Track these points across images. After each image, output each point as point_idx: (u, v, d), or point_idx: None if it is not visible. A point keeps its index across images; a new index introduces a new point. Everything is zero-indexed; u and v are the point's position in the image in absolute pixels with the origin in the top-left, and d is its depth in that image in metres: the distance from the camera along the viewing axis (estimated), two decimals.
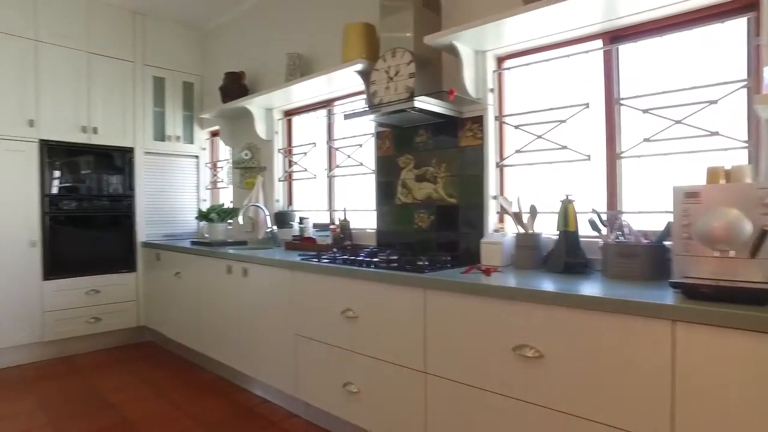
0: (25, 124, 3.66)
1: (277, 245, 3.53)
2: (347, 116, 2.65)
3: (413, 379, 2.02)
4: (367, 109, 2.56)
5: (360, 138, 3.20)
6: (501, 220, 2.50)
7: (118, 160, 4.13)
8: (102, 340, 4.06)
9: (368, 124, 3.00)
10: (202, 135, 4.63)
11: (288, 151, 3.81)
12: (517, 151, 2.43)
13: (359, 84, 2.99)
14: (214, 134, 4.61)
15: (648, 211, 2.04)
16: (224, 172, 4.48)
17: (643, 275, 1.74)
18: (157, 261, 3.98)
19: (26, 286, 3.67)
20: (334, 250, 2.78)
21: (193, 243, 3.80)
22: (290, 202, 3.81)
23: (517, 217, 2.22)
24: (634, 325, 1.39)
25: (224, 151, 4.54)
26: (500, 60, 2.51)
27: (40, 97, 3.72)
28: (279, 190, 3.81)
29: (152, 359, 3.80)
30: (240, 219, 3.49)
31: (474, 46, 2.38)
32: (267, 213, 3.62)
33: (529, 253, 2.14)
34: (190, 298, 3.54)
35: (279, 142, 3.82)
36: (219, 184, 4.60)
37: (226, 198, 4.48)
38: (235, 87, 3.84)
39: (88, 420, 2.72)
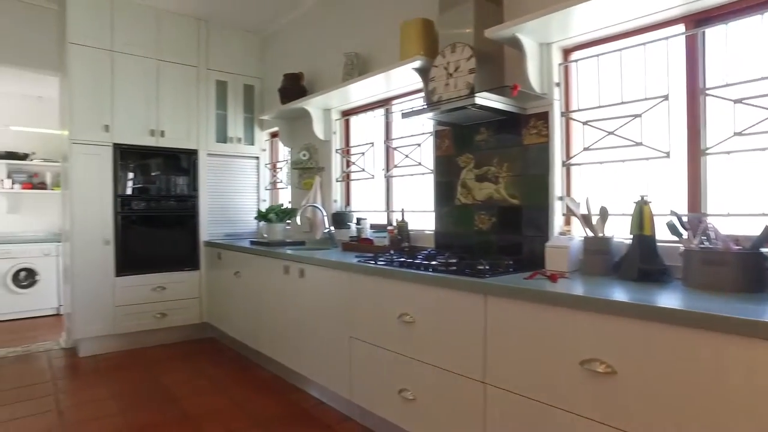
0: (101, 129, 3.85)
1: (335, 246, 3.52)
2: (405, 115, 2.58)
3: (471, 389, 1.92)
4: (426, 107, 2.48)
5: (418, 137, 3.12)
6: (567, 223, 2.35)
7: (183, 162, 4.28)
8: (167, 334, 4.22)
9: (427, 122, 2.92)
10: (262, 136, 4.71)
11: (346, 152, 3.80)
12: (586, 149, 2.27)
13: (417, 82, 2.92)
14: (274, 135, 4.69)
15: (740, 214, 1.84)
16: (283, 173, 4.54)
17: (733, 286, 1.55)
18: (218, 260, 4.08)
19: (101, 281, 3.87)
20: (392, 252, 2.72)
21: (252, 243, 3.87)
22: (348, 203, 3.80)
23: (586, 220, 2.07)
24: (726, 344, 1.23)
25: (283, 152, 4.60)
26: (567, 52, 2.35)
27: (115, 103, 3.91)
28: (336, 190, 3.80)
29: (213, 355, 3.90)
30: (298, 219, 3.51)
31: (538, 38, 2.25)
32: (324, 213, 3.62)
33: (600, 258, 1.98)
34: (248, 297, 3.60)
35: (337, 143, 3.82)
36: (278, 185, 4.66)
37: (286, 198, 4.54)
38: (294, 88, 3.87)
39: (153, 412, 2.81)
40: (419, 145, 3.11)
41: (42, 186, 5.74)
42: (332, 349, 2.71)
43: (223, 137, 4.49)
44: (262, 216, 3.81)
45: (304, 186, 3.99)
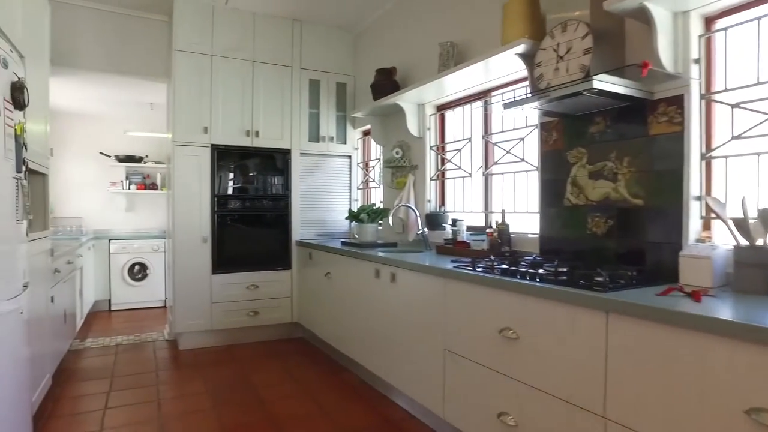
0: (200, 131, 3.97)
1: (428, 249, 3.32)
2: (508, 105, 2.31)
3: (588, 424, 1.62)
4: (531, 95, 2.20)
5: (521, 131, 2.83)
6: (707, 228, 1.95)
7: (276, 162, 4.31)
8: (259, 332, 4.26)
9: (531, 114, 2.61)
10: (354, 135, 4.63)
11: (440, 149, 3.58)
12: (735, 138, 1.86)
13: (521, 69, 2.63)
14: (366, 133, 4.59)
15: None
16: (375, 172, 4.42)
17: None
18: (310, 260, 4.04)
19: (199, 278, 3.99)
20: (492, 257, 2.46)
21: (343, 243, 3.77)
22: (442, 203, 3.58)
23: (740, 225, 1.68)
24: None
25: (376, 150, 4.49)
26: (709, 20, 1.95)
27: (213, 106, 4.02)
28: (430, 189, 3.60)
29: (302, 356, 3.87)
30: (390, 220, 3.35)
31: (672, 5, 1.88)
32: (418, 214, 3.43)
33: (758, 272, 1.59)
34: (338, 300, 3.50)
35: (431, 139, 3.61)
36: (371, 184, 4.56)
37: (378, 198, 4.42)
38: (386, 83, 3.73)
39: (243, 412, 2.79)
40: (522, 139, 2.82)
41: (153, 186, 6.14)
42: (424, 361, 2.50)
43: (315, 136, 4.46)
44: (353, 216, 3.71)
45: (396, 185, 3.83)
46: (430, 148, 3.61)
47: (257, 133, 4.19)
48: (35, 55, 2.68)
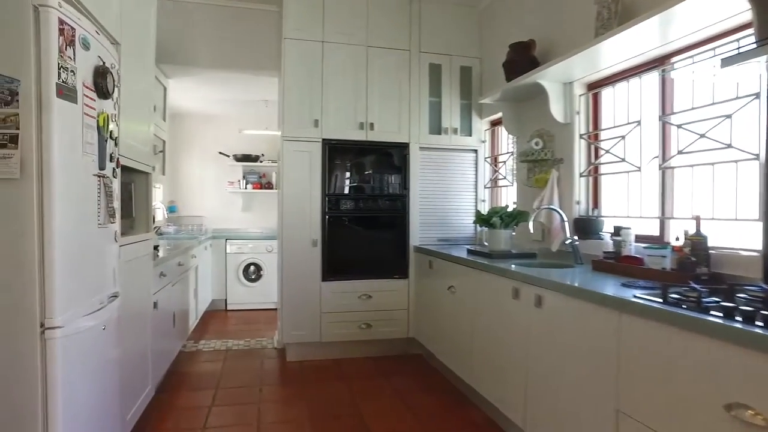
0: (311, 124, 3.63)
1: (579, 263, 2.62)
2: (727, 62, 1.57)
3: None
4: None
5: (727, 105, 2.03)
6: None
7: (393, 157, 3.85)
8: (371, 347, 3.83)
9: (748, 78, 1.83)
10: (481, 126, 4.02)
11: (594, 137, 2.85)
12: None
13: (724, 18, 1.86)
14: (495, 123, 3.95)
15: None
16: (507, 168, 3.78)
17: None
18: (430, 269, 3.51)
19: (308, 285, 3.66)
20: (690, 283, 1.73)
21: (470, 252, 3.19)
22: (595, 205, 2.84)
23: None
24: None
25: (507, 143, 3.84)
26: None
27: (324, 96, 3.66)
28: (580, 188, 2.88)
29: (418, 379, 3.35)
30: (530, 225, 2.71)
31: None
32: (565, 218, 2.74)
33: None
34: (464, 319, 2.93)
35: (581, 126, 2.89)
36: (500, 182, 3.92)
37: (509, 198, 3.78)
38: (522, 60, 3.07)
39: None
40: (729, 116, 2.02)
41: (269, 186, 6.04)
42: (583, 419, 1.84)
43: (437, 128, 3.93)
44: (482, 219, 3.10)
45: (535, 183, 3.15)
46: (580, 136, 2.89)
47: (372, 126, 3.76)
48: (137, 47, 2.46)
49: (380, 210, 3.81)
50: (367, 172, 3.81)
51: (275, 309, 5.54)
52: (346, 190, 3.75)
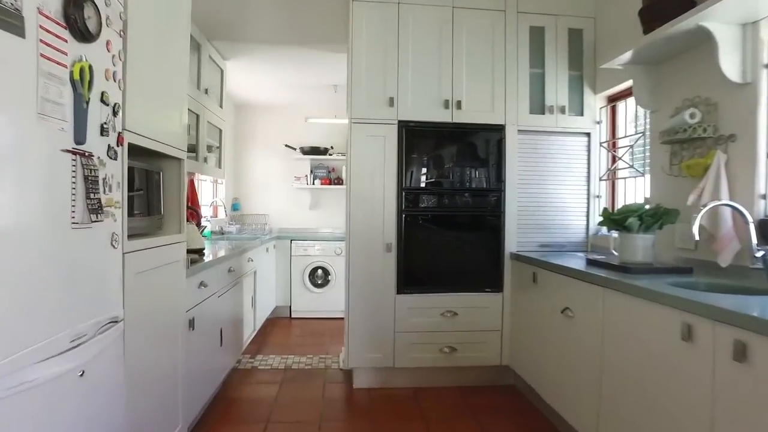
0: (384, 103, 3.00)
1: None
2: None
3: None
4: None
5: None
6: None
7: (484, 143, 3.13)
8: (455, 375, 3.13)
9: None
10: (595, 102, 3.20)
11: None
12: None
13: None
14: (614, 99, 3.12)
15: None
16: (632, 154, 2.94)
17: None
18: (534, 284, 2.76)
19: (380, 297, 3.03)
20: None
21: (590, 263, 2.41)
22: None
23: None
24: None
25: (626, 124, 3.00)
26: None
27: (401, 70, 3.02)
28: (766, 176, 2.02)
29: (515, 419, 2.64)
30: (694, 228, 1.89)
31: None
32: (750, 219, 1.90)
33: None
34: (586, 354, 2.16)
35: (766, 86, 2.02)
36: (621, 173, 3.08)
37: (635, 192, 2.94)
38: (671, 2, 2.24)
39: None
40: None
41: (338, 181, 5.49)
42: None
43: (539, 106, 3.16)
44: (613, 221, 2.28)
45: (685, 171, 2.30)
46: None
47: (458, 105, 3.06)
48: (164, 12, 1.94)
49: (469, 208, 3.10)
50: (453, 162, 3.12)
51: (343, 318, 4.99)
52: (427, 184, 3.08)
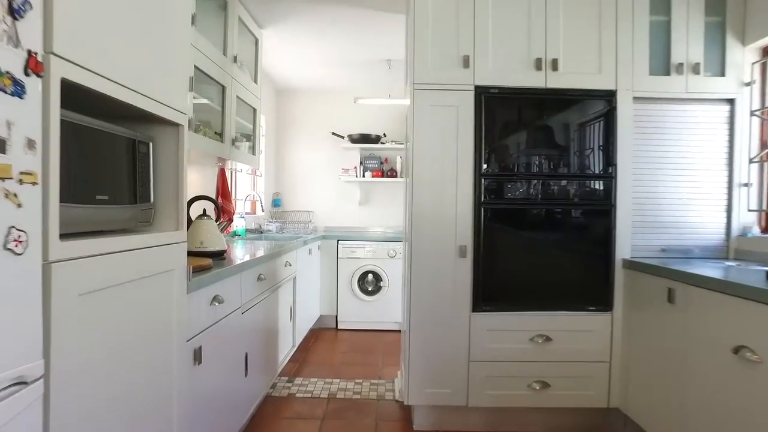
0: (457, 63, 2.31)
1: None
2: None
3: None
4: None
5: None
6: None
7: (588, 115, 2.37)
8: (548, 418, 2.40)
9: None
10: (743, 57, 2.37)
11: None
12: None
13: None
14: None
15: None
16: None
17: None
18: (669, 303, 1.98)
19: (451, 317, 2.34)
20: None
21: None
22: None
23: None
24: None
25: None
26: None
27: (478, 19, 2.32)
28: None
29: None
30: None
31: None
32: None
33: None
34: None
35: None
36: None
37: None
38: None
39: None
40: None
41: (392, 173, 4.82)
42: None
43: (662, 65, 2.38)
44: None
45: None
46: None
47: (554, 65, 2.32)
48: None
49: (567, 200, 2.36)
50: (545, 140, 2.38)
51: (398, 331, 4.32)
52: (513, 168, 2.36)
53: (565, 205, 2.36)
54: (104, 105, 1.17)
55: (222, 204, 3.16)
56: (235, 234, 3.54)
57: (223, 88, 2.60)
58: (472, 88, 2.32)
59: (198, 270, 1.65)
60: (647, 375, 2.14)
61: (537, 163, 2.36)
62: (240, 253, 2.53)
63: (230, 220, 3.34)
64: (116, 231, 1.28)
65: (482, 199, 2.32)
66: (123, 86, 1.14)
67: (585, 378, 2.36)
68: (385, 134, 4.83)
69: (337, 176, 4.89)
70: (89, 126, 1.12)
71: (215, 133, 2.57)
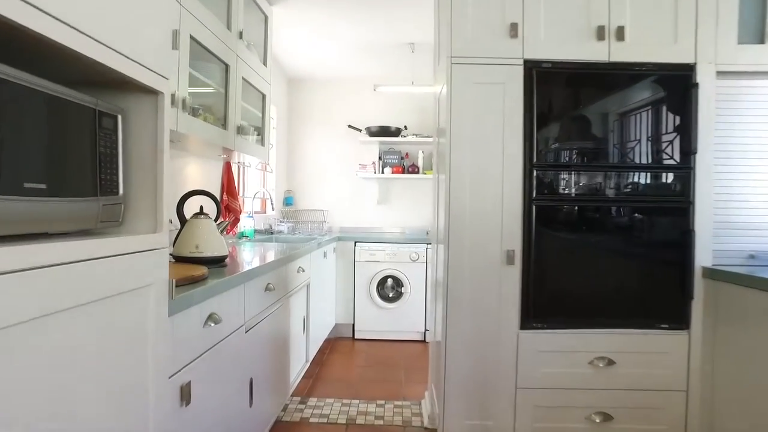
0: (503, 33, 1.94)
1: None
2: None
3: None
4: None
5: None
6: None
7: (660, 94, 1.97)
8: None
9: None
10: None
11: None
12: None
13: None
14: None
15: None
16: None
17: None
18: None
19: (494, 334, 1.96)
20: None
21: None
22: None
23: None
24: None
25: None
26: None
27: None
28: None
29: None
30: None
31: None
32: None
33: None
34: None
35: None
36: None
37: None
38: None
39: None
40: None
41: (414, 169, 4.44)
42: None
43: (755, 32, 1.98)
44: None
45: None
46: None
47: (619, 34, 1.93)
48: None
49: (635, 196, 1.97)
50: (608, 123, 1.99)
51: (420, 341, 3.95)
52: (569, 158, 1.97)
53: (632, 202, 1.97)
54: (55, 64, 0.81)
55: (226, 201, 2.81)
56: (242, 235, 3.19)
57: (227, 66, 2.24)
58: (521, 62, 1.94)
59: (187, 283, 1.29)
60: (740, 409, 1.74)
61: (598, 151, 1.97)
62: (246, 257, 2.17)
63: (236, 220, 2.99)
64: (71, 234, 0.93)
65: (533, 195, 1.93)
66: (75, 29, 0.78)
67: (656, 410, 1.97)
68: (406, 127, 4.45)
69: (354, 172, 4.53)
70: (19, 83, 0.76)
71: (217, 119, 2.22)
